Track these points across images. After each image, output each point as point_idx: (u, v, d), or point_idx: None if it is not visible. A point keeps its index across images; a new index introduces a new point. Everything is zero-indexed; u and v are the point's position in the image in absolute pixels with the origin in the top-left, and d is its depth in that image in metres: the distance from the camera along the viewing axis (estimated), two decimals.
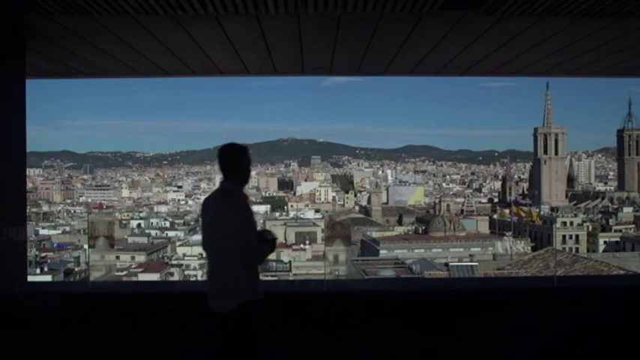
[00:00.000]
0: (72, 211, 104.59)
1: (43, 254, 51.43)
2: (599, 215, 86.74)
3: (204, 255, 3.34)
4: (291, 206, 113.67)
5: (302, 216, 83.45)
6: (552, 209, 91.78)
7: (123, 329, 4.09)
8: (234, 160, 3.21)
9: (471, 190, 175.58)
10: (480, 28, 4.07)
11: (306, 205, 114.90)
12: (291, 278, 35.53)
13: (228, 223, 3.06)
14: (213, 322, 3.12)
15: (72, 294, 4.59)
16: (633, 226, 76.47)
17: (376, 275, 30.17)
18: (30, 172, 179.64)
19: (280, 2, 3.43)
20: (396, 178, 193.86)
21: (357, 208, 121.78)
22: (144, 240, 63.80)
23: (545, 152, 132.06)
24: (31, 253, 44.26)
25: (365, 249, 56.87)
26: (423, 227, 75.87)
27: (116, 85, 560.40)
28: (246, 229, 3.07)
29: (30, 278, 5.69)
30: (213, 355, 3.20)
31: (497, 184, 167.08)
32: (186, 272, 48.36)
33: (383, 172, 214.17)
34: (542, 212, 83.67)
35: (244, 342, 3.07)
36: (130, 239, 62.27)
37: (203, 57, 4.76)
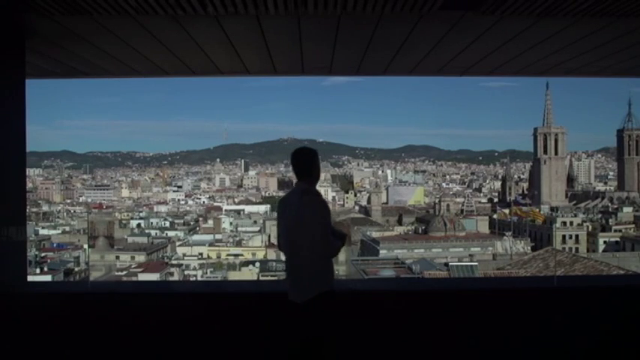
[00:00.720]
0: (72, 211, 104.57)
1: (43, 254, 51.39)
2: (599, 215, 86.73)
3: (282, 252, 3.57)
4: None
5: None
6: (552, 209, 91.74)
7: (123, 329, 4.09)
8: (310, 163, 3.49)
9: (470, 190, 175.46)
10: (479, 28, 4.07)
11: None
12: None
13: (310, 219, 3.30)
14: (292, 312, 3.34)
15: (72, 294, 4.58)
16: (633, 226, 76.42)
17: (376, 275, 30.13)
18: (30, 172, 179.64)
19: (280, 2, 3.43)
20: (395, 178, 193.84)
21: (356, 208, 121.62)
22: (144, 240, 63.75)
23: (545, 152, 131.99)
24: (31, 253, 44.21)
25: (365, 249, 56.77)
26: (423, 227, 75.75)
27: (116, 85, 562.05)
28: (326, 225, 3.34)
29: (30, 278, 5.69)
30: (299, 341, 3.36)
31: (497, 184, 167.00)
32: (186, 272, 48.34)
33: (383, 172, 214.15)
34: (542, 212, 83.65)
35: (321, 328, 3.29)
36: (130, 239, 62.16)
37: (203, 57, 4.77)
